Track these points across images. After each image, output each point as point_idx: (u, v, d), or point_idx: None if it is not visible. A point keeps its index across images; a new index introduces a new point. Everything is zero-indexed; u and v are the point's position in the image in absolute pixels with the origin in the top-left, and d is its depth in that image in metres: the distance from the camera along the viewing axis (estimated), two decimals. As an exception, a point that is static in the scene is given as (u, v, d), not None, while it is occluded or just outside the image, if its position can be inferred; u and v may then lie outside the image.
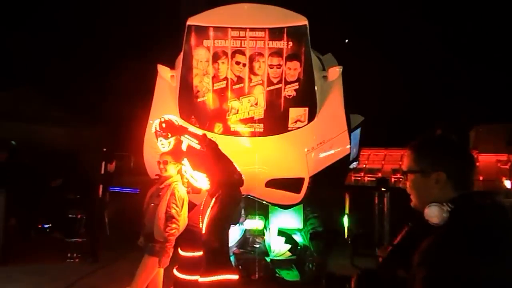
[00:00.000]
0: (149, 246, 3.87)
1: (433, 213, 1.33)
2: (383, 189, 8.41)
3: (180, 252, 3.95)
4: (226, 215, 3.79)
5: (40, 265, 5.98)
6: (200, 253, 3.78)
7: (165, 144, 4.07)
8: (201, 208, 3.95)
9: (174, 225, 3.77)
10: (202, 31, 4.78)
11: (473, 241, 1.22)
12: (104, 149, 7.12)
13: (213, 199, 3.77)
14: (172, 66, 5.18)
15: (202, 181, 3.99)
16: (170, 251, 3.81)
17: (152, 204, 3.90)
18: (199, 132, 4.22)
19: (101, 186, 6.83)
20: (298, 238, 5.82)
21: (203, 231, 3.74)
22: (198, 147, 3.96)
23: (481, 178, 17.51)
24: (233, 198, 3.90)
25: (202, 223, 3.81)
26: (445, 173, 1.38)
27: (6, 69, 11.82)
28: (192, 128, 4.34)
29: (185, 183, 4.12)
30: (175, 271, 3.92)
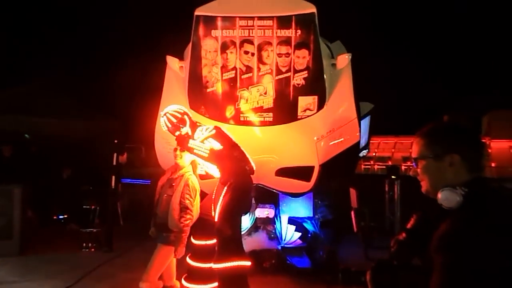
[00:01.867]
0: (163, 236, 3.91)
1: (447, 197, 1.34)
2: (393, 177, 8.40)
3: (193, 240, 4.01)
4: (238, 203, 3.83)
5: (56, 255, 6.14)
6: (213, 241, 3.83)
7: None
8: (213, 197, 3.99)
9: (188, 216, 3.81)
10: (210, 21, 4.79)
11: (493, 223, 1.23)
12: (116, 141, 7.21)
13: (225, 188, 3.81)
14: (181, 57, 5.21)
15: (213, 170, 4.03)
16: (185, 240, 3.86)
17: (165, 195, 3.94)
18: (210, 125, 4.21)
19: (113, 178, 6.94)
20: (308, 226, 5.86)
21: (216, 220, 3.79)
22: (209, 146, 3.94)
23: (493, 164, 17.30)
24: (245, 186, 3.93)
25: (215, 211, 3.86)
26: (459, 155, 1.39)
27: (21, 64, 11.98)
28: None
29: (197, 175, 4.16)
30: (188, 260, 3.99)
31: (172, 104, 4.24)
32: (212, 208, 3.93)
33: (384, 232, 7.91)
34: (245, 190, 3.94)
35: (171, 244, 3.84)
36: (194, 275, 3.92)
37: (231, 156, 3.91)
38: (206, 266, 3.84)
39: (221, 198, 3.80)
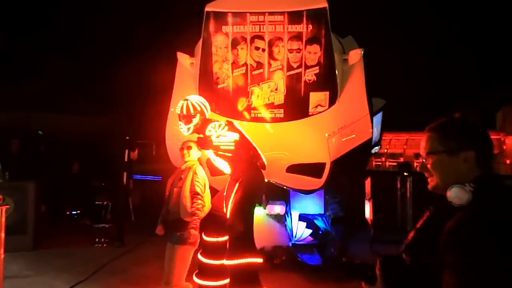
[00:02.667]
0: (177, 236, 3.75)
1: (457, 195, 1.32)
2: (405, 173, 8.30)
3: (205, 237, 4.01)
4: (251, 199, 3.81)
5: (69, 250, 6.21)
6: (225, 238, 3.82)
7: (184, 129, 3.87)
8: (225, 194, 3.98)
9: (199, 201, 3.73)
10: (220, 17, 4.77)
11: (503, 221, 1.20)
12: (127, 137, 7.26)
13: (237, 184, 3.80)
14: (191, 53, 5.20)
15: (224, 165, 4.01)
16: (198, 226, 3.76)
17: (176, 188, 3.87)
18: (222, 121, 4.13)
19: (124, 174, 6.99)
20: (319, 223, 5.84)
21: (228, 216, 3.79)
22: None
23: (508, 161, 17.01)
24: (257, 182, 3.90)
25: (226, 207, 3.86)
26: (474, 151, 1.36)
27: (32, 61, 12.12)
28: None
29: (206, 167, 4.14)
30: (199, 256, 4.00)
31: (197, 95, 4.19)
32: (224, 205, 3.92)
33: (396, 229, 7.86)
34: (257, 186, 3.91)
35: (188, 243, 3.73)
36: (206, 272, 3.92)
37: (244, 150, 3.88)
38: (217, 262, 3.83)
39: (233, 194, 3.79)
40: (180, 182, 3.86)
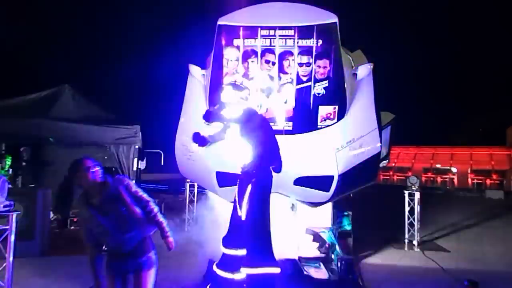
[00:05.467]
0: (139, 262, 3.03)
1: None
2: (413, 188, 8.24)
3: (223, 249, 3.98)
4: (267, 200, 3.80)
5: (76, 256, 6.23)
6: (243, 252, 3.80)
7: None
8: (237, 196, 3.95)
9: (153, 205, 3.05)
10: (232, 30, 4.85)
11: None
12: (136, 146, 7.33)
13: (249, 185, 3.78)
14: (203, 65, 5.28)
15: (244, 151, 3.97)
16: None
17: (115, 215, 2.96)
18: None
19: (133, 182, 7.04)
20: (326, 236, 5.80)
21: (243, 218, 3.77)
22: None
23: (518, 178, 16.84)
24: (268, 184, 3.88)
25: (241, 209, 3.84)
26: None
27: (45, 69, 12.37)
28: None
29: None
30: (215, 268, 3.96)
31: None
32: (238, 206, 3.90)
33: (403, 244, 7.79)
34: (269, 188, 3.89)
35: (154, 264, 3.08)
36: (221, 285, 3.88)
37: (270, 143, 3.89)
38: (233, 276, 3.79)
39: (246, 196, 3.76)
40: (115, 205, 2.97)
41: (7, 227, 4.12)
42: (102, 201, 2.94)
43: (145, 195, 3.08)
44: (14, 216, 4.16)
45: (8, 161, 7.48)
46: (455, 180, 26.91)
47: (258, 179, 3.78)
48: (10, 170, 7.45)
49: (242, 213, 3.80)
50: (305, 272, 5.35)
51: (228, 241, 3.95)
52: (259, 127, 3.90)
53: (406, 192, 8.12)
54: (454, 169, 27.33)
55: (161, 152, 11.03)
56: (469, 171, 26.90)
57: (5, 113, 8.02)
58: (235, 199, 3.98)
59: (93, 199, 2.97)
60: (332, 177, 4.71)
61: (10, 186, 6.16)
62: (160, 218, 3.05)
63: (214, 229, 4.79)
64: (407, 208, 8.03)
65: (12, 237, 4.10)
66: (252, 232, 3.67)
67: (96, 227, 2.96)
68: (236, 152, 4.16)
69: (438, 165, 27.67)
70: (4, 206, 4.04)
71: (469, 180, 26.13)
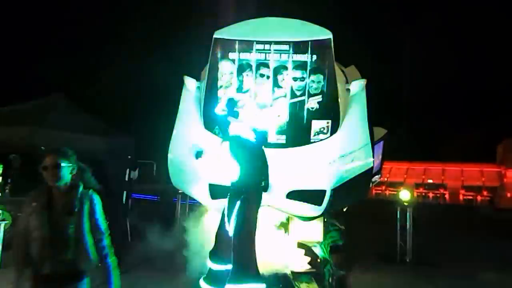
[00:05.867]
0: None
1: None
2: (405, 203, 8.27)
3: (209, 264, 3.96)
4: (254, 217, 3.80)
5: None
6: (229, 267, 3.78)
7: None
8: (226, 211, 3.95)
9: (107, 240, 2.67)
10: (227, 44, 4.90)
11: None
12: (129, 157, 7.30)
13: (239, 202, 3.78)
14: (197, 77, 5.31)
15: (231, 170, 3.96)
16: None
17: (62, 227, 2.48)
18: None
19: (125, 193, 6.99)
20: (318, 250, 5.78)
21: (231, 234, 3.76)
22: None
23: (508, 194, 16.98)
24: (258, 202, 3.90)
25: (229, 224, 3.84)
26: None
27: (38, 77, 12.35)
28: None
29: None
30: (201, 283, 3.93)
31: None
32: (226, 219, 3.89)
33: (396, 260, 7.78)
34: (258, 205, 3.90)
35: None
36: None
37: (260, 160, 3.91)
38: None
39: (235, 211, 3.77)
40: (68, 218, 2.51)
41: (-5, 236, 4.05)
42: (60, 207, 2.48)
43: (104, 227, 2.62)
44: (3, 225, 4.10)
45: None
46: (447, 196, 27.08)
47: (248, 196, 3.79)
48: (0, 178, 7.36)
49: (230, 228, 3.79)
50: (296, 287, 5.32)
51: (215, 256, 3.93)
52: (259, 144, 3.94)
53: (398, 208, 8.15)
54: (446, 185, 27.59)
55: (154, 163, 10.98)
56: (460, 187, 27.13)
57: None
58: (223, 213, 3.97)
59: (52, 203, 2.51)
60: (324, 191, 4.72)
61: (-1, 195, 6.10)
62: (111, 260, 2.61)
63: (204, 242, 4.75)
64: (398, 224, 8.04)
65: (0, 246, 4.02)
66: (238, 247, 3.66)
67: (37, 238, 2.43)
68: (229, 164, 4.15)
69: (430, 180, 27.86)
70: (-7, 215, 3.97)
71: (461, 196, 26.32)
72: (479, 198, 25.76)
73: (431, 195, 26.57)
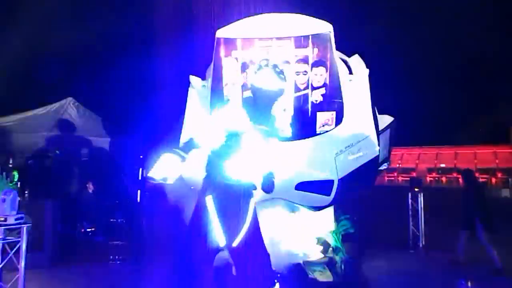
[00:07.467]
0: None
1: None
2: (416, 189, 8.30)
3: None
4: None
5: (85, 266, 6.38)
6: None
7: None
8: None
9: None
10: (230, 42, 5.00)
11: None
12: (141, 156, 7.48)
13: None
14: (203, 76, 5.43)
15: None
16: None
17: None
18: None
19: (139, 192, 7.19)
20: (330, 239, 5.88)
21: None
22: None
23: (524, 175, 16.75)
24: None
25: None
26: None
27: (51, 82, 12.59)
28: None
29: None
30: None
31: None
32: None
33: (408, 245, 7.84)
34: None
35: None
36: None
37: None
38: None
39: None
40: None
41: (19, 239, 4.26)
42: None
43: None
44: (25, 228, 4.30)
45: (16, 175, 7.65)
46: (461, 180, 26.72)
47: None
48: (18, 183, 7.61)
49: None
50: (310, 276, 5.45)
51: None
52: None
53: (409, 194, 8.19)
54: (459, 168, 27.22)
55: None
56: (474, 170, 26.74)
57: (12, 128, 8.23)
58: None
59: None
60: (332, 181, 4.82)
61: (19, 199, 6.33)
62: None
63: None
64: (410, 210, 8.09)
65: (24, 249, 4.23)
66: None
67: None
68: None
69: (442, 165, 27.59)
70: (16, 219, 4.18)
71: (475, 179, 25.97)
72: (493, 180, 25.46)
73: (444, 179, 26.33)
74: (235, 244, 3.21)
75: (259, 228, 3.42)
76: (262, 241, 3.42)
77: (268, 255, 3.42)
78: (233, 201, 3.29)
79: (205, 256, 3.22)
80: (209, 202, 3.30)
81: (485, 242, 6.20)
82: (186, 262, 3.31)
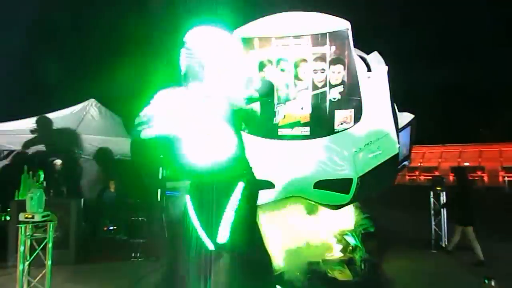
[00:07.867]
0: None
1: None
2: (438, 188, 8.12)
3: None
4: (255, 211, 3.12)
5: (108, 264, 6.53)
6: None
7: None
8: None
9: None
10: (247, 42, 5.02)
11: None
12: (161, 156, 7.59)
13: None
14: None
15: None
16: None
17: None
18: None
19: (159, 191, 7.31)
20: (349, 238, 5.85)
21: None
22: None
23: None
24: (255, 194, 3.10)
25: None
26: None
27: (72, 85, 12.94)
28: None
29: None
30: None
31: None
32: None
33: (430, 245, 7.68)
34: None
35: None
36: None
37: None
38: None
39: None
40: None
41: (46, 236, 4.42)
42: None
43: None
44: (51, 225, 4.45)
45: (41, 175, 7.90)
46: (485, 178, 26.09)
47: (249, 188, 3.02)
48: (44, 182, 7.86)
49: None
50: (329, 274, 5.43)
51: None
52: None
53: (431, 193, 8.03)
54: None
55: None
56: (499, 169, 26.05)
57: (39, 128, 8.53)
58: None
59: None
60: (351, 180, 4.79)
61: (45, 198, 6.54)
62: None
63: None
64: (432, 209, 7.93)
65: (50, 245, 4.39)
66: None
67: None
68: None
69: (466, 163, 26.94)
70: (43, 216, 4.34)
71: (500, 177, 25.30)
72: (519, 178, 24.70)
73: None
74: (220, 239, 2.81)
75: (254, 222, 3.03)
76: (260, 238, 3.05)
77: (268, 254, 3.11)
78: (207, 195, 2.89)
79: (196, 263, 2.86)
80: (188, 202, 3.00)
81: (472, 236, 6.90)
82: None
